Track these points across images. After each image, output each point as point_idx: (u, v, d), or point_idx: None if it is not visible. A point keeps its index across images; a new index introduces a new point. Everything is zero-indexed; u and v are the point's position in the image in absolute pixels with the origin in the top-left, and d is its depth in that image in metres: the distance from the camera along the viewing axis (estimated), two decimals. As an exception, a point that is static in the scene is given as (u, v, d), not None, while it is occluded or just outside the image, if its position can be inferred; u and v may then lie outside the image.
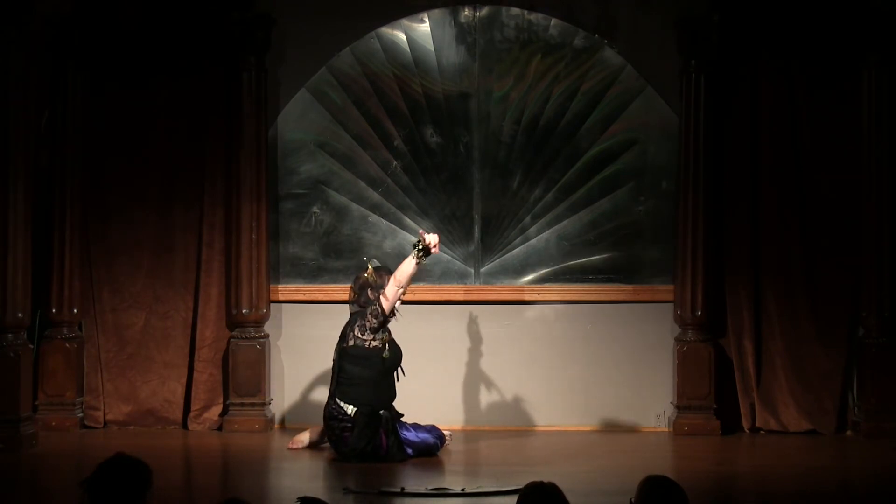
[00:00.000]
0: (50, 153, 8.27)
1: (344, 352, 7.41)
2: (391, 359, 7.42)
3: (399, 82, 8.47)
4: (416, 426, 7.46)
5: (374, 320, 7.37)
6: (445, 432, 7.59)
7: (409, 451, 7.33)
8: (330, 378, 7.53)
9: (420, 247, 7.36)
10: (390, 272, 7.50)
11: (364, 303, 7.48)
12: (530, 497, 3.88)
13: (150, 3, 8.32)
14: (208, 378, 8.38)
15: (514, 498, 3.89)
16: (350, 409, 7.32)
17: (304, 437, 7.70)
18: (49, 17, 8.00)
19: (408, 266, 7.38)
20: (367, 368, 7.36)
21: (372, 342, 7.38)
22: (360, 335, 7.38)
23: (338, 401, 7.35)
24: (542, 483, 3.92)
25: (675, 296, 8.23)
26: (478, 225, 8.50)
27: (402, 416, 7.46)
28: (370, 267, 7.55)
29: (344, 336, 7.46)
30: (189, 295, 8.42)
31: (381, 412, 7.32)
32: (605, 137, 8.43)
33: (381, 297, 7.39)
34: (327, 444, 7.64)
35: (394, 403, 7.48)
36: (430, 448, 7.42)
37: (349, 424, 7.29)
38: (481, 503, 6.18)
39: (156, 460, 4.15)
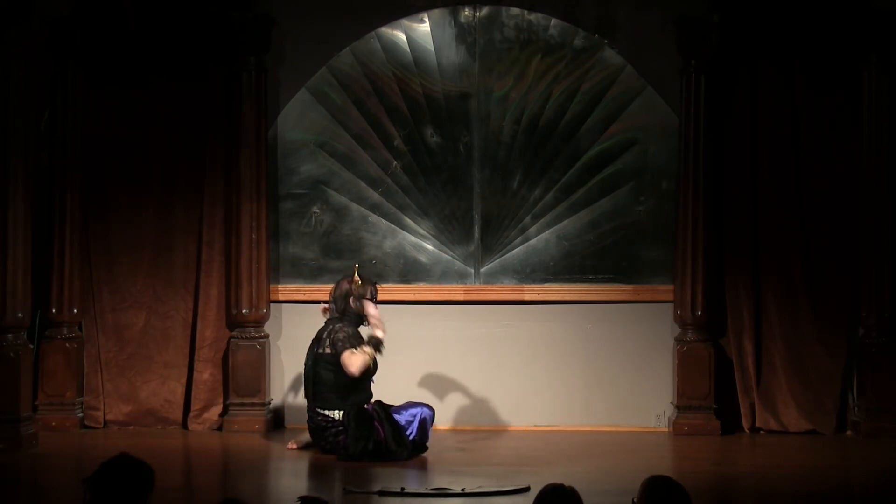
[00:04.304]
0: (50, 153, 8.26)
1: (320, 357, 7.42)
2: (371, 368, 7.47)
3: (399, 82, 8.47)
4: (409, 404, 7.46)
5: (346, 365, 7.35)
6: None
7: (409, 433, 7.32)
8: (304, 388, 7.54)
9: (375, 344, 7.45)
10: (374, 284, 7.56)
11: (343, 310, 7.48)
12: (548, 498, 3.88)
13: (150, 3, 8.32)
14: (208, 378, 8.38)
15: (515, 498, 3.89)
16: (336, 413, 7.33)
17: (304, 438, 7.70)
18: (49, 17, 8.01)
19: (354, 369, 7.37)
20: (343, 376, 7.38)
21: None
22: (338, 346, 7.38)
23: (320, 410, 7.37)
24: (561, 486, 3.91)
25: (675, 296, 8.23)
26: (478, 225, 8.50)
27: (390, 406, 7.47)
28: (356, 275, 7.56)
29: (319, 341, 7.47)
30: (189, 295, 8.41)
31: (367, 406, 7.34)
32: (605, 137, 8.43)
33: (348, 361, 7.34)
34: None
35: (393, 403, 7.49)
36: (426, 420, 7.39)
37: (341, 428, 7.30)
38: (481, 503, 6.18)
39: (156, 460, 4.15)
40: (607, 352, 8.42)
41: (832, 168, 8.24)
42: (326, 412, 7.35)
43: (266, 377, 8.33)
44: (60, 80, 8.24)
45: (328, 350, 7.40)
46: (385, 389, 7.67)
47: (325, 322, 7.56)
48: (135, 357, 8.40)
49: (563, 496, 3.88)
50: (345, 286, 7.57)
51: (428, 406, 7.50)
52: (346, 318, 7.50)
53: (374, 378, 7.52)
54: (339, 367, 7.37)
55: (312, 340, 7.54)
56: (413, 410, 7.40)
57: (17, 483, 6.89)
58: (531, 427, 8.40)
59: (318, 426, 7.38)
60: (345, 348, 7.35)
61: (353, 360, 7.34)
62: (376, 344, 7.41)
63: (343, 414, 7.32)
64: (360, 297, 7.51)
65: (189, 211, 8.41)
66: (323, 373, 7.40)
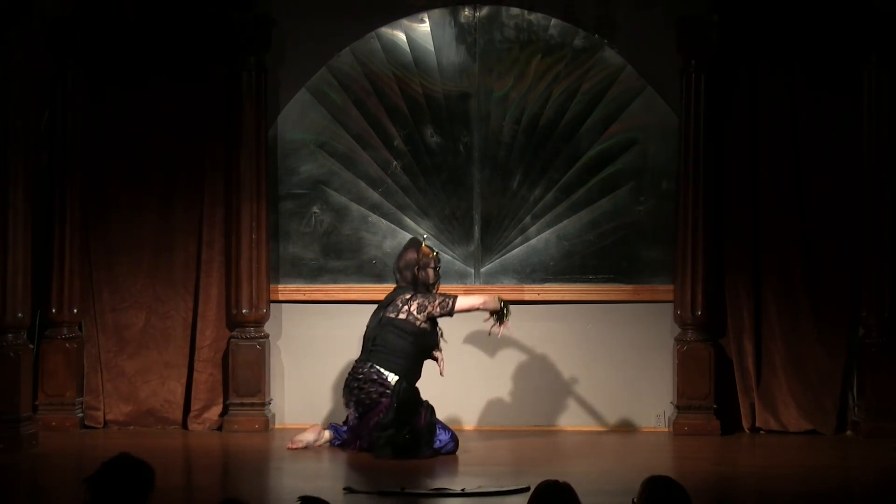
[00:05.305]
0: (50, 153, 8.27)
1: (391, 323, 7.48)
2: (435, 340, 7.63)
3: (399, 82, 8.47)
4: (445, 426, 7.49)
5: (440, 310, 7.50)
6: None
7: (438, 442, 7.37)
8: (362, 348, 7.59)
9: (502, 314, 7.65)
10: (437, 253, 7.77)
11: (412, 280, 7.59)
12: (544, 495, 3.88)
13: (150, 3, 8.33)
14: (208, 378, 8.38)
15: (514, 498, 3.89)
16: (392, 376, 7.38)
17: (304, 437, 7.70)
18: (49, 17, 8.00)
19: (476, 301, 7.62)
20: (410, 344, 7.48)
21: (423, 323, 7.51)
22: (415, 313, 7.48)
23: (377, 366, 7.42)
24: (556, 482, 3.91)
25: (675, 296, 8.23)
26: (478, 225, 8.50)
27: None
28: (424, 245, 7.71)
29: (391, 305, 7.52)
30: (189, 295, 8.42)
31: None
32: (605, 137, 8.43)
33: (458, 299, 7.54)
34: (327, 444, 7.65)
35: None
36: (447, 448, 7.43)
37: (388, 392, 7.34)
38: (481, 503, 6.18)
39: (156, 460, 4.14)
40: (607, 352, 8.42)
41: (832, 168, 8.24)
42: (382, 370, 7.42)
43: (266, 377, 8.33)
44: (60, 80, 8.24)
45: (402, 316, 7.48)
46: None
47: (395, 289, 7.63)
48: (135, 357, 8.40)
49: (559, 492, 3.88)
50: (410, 255, 7.66)
51: (456, 441, 7.49)
52: (418, 288, 7.59)
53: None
54: (407, 334, 7.45)
55: (379, 305, 7.61)
56: (445, 437, 7.42)
57: (17, 483, 6.89)
58: (531, 427, 8.40)
59: (368, 378, 7.41)
60: (453, 295, 7.54)
61: (470, 297, 7.65)
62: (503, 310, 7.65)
63: (397, 381, 7.35)
64: (426, 267, 7.61)
65: (189, 211, 8.41)
66: (390, 336, 7.47)
